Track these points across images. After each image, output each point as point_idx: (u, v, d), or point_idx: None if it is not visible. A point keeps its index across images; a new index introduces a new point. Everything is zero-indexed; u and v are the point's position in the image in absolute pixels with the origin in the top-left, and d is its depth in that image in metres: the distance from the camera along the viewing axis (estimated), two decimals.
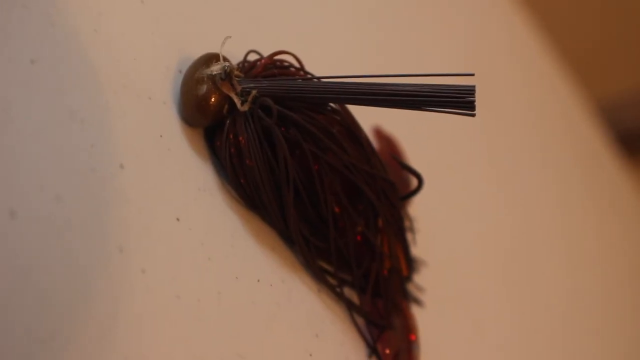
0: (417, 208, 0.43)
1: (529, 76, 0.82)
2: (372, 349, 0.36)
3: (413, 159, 0.44)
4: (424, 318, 0.40)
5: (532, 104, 0.79)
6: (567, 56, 0.97)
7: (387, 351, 0.36)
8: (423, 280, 0.42)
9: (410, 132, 0.48)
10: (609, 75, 1.21)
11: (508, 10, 0.81)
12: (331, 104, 0.35)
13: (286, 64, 0.35)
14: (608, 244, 0.78)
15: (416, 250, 0.41)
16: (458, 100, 0.32)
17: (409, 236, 0.40)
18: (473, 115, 0.32)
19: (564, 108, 0.88)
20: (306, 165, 0.34)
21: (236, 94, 0.33)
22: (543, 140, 0.77)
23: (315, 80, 0.34)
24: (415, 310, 0.40)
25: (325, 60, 0.42)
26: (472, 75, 0.33)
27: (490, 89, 0.67)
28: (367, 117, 0.40)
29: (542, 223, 0.66)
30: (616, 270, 0.77)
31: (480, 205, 0.56)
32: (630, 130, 1.15)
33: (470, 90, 0.32)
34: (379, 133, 0.44)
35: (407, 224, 0.40)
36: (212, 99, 0.32)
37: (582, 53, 1.16)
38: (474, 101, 0.31)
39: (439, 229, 0.47)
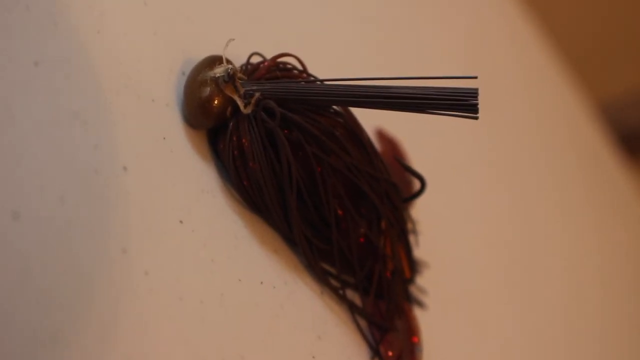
0: (420, 210, 0.43)
1: (530, 77, 0.82)
2: (375, 351, 0.36)
3: (416, 161, 0.44)
4: (426, 320, 0.40)
5: (534, 105, 0.79)
6: (568, 56, 0.97)
7: (390, 353, 0.36)
8: (425, 282, 0.42)
9: (413, 134, 0.48)
10: (611, 76, 1.21)
11: (510, 11, 0.81)
12: (334, 107, 0.35)
13: (289, 66, 0.35)
14: (610, 244, 0.78)
15: (419, 252, 0.41)
16: (461, 103, 0.32)
17: (411, 238, 0.40)
18: (476, 118, 0.32)
19: (566, 108, 0.88)
20: (309, 168, 0.34)
21: (239, 96, 0.33)
22: (545, 141, 0.77)
23: (318, 82, 0.34)
24: (417, 312, 0.40)
25: (328, 62, 0.42)
26: (475, 78, 0.33)
27: (492, 90, 0.67)
28: (369, 119, 0.40)
29: (544, 224, 0.66)
30: (618, 271, 0.77)
31: (482, 207, 0.56)
32: (632, 130, 1.15)
33: (474, 93, 0.32)
34: (382, 135, 0.44)
35: (409, 226, 0.40)
36: (216, 101, 0.32)
37: (584, 53, 1.16)
38: (477, 104, 0.31)
39: (442, 231, 0.47)
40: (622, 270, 0.78)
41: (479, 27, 0.74)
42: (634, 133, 1.16)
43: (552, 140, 0.80)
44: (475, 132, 0.61)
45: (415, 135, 0.49)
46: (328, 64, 0.38)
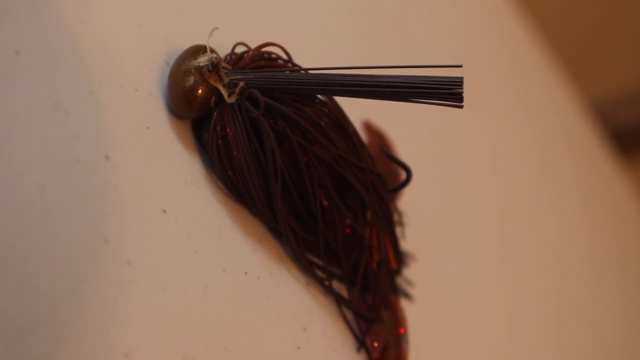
0: (407, 202, 0.43)
1: (523, 74, 0.82)
2: (361, 342, 0.36)
3: (403, 154, 0.44)
4: (413, 312, 0.39)
5: (525, 102, 0.79)
6: (561, 54, 0.96)
7: (376, 344, 0.36)
8: (412, 274, 0.42)
9: (401, 126, 0.48)
10: (603, 73, 1.21)
11: (500, 6, 0.81)
12: (319, 96, 0.34)
13: (274, 56, 0.34)
14: (600, 240, 0.78)
15: (406, 245, 0.41)
16: (446, 91, 0.32)
17: (398, 230, 0.39)
18: (461, 107, 0.32)
19: (558, 106, 0.88)
20: (294, 158, 0.33)
21: (223, 85, 0.33)
22: (537, 137, 0.77)
23: (302, 71, 0.34)
24: (404, 304, 0.40)
25: (313, 52, 0.42)
26: (460, 66, 0.33)
27: (483, 85, 0.67)
28: (357, 111, 0.40)
29: (534, 219, 0.66)
30: (609, 266, 0.77)
31: (471, 200, 0.56)
32: (624, 127, 1.15)
33: (458, 82, 0.31)
34: (369, 127, 0.44)
35: (396, 218, 0.40)
36: (200, 91, 0.32)
37: (576, 50, 1.16)
38: (461, 92, 0.31)
39: (429, 224, 0.47)
40: (614, 265, 0.78)
41: (470, 24, 0.74)
42: (625, 130, 1.16)
43: (543, 137, 0.80)
44: (466, 127, 0.61)
45: (404, 128, 0.49)
46: (313, 54, 0.38)
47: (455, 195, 0.54)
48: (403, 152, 0.45)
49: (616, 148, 1.02)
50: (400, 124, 0.48)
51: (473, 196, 0.57)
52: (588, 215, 0.79)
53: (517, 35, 0.83)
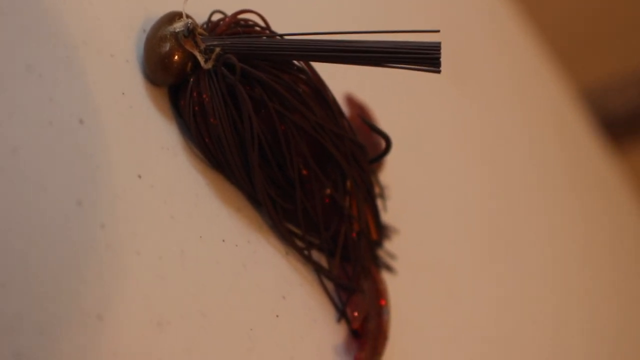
0: (390, 176, 0.43)
1: (513, 61, 0.82)
2: (341, 313, 0.36)
3: (386, 128, 0.44)
4: (395, 284, 0.39)
5: (516, 88, 0.79)
6: (551, 41, 0.96)
7: (356, 314, 0.36)
8: (394, 247, 0.41)
9: (385, 102, 0.48)
10: (594, 60, 1.21)
11: None
12: (297, 64, 0.34)
13: (251, 23, 0.34)
14: (590, 226, 0.78)
15: (388, 218, 0.41)
16: (423, 56, 0.31)
17: (380, 203, 0.39)
18: (438, 71, 0.32)
19: (548, 93, 0.88)
20: (272, 126, 0.33)
21: (200, 51, 0.32)
22: (526, 124, 0.77)
23: (278, 37, 0.33)
24: (387, 277, 0.39)
25: (291, 19, 0.41)
26: (438, 31, 0.33)
27: (473, 72, 0.67)
28: (339, 85, 0.40)
29: (523, 202, 0.66)
30: (599, 252, 0.77)
31: (455, 176, 0.56)
32: (615, 115, 1.15)
33: (436, 47, 0.31)
34: (351, 100, 0.44)
35: (378, 190, 0.40)
36: (176, 57, 0.32)
37: (567, 38, 1.16)
38: (439, 57, 0.31)
39: (412, 197, 0.47)
40: (604, 252, 0.78)
41: (461, 10, 0.74)
42: (617, 118, 1.16)
43: (534, 124, 0.79)
44: (455, 110, 0.61)
45: (388, 104, 0.48)
46: (291, 22, 0.38)
47: (439, 171, 0.54)
48: (386, 126, 0.44)
49: (607, 136, 1.01)
50: (384, 100, 0.48)
51: (457, 173, 0.56)
52: (578, 201, 0.79)
53: (509, 23, 0.83)
